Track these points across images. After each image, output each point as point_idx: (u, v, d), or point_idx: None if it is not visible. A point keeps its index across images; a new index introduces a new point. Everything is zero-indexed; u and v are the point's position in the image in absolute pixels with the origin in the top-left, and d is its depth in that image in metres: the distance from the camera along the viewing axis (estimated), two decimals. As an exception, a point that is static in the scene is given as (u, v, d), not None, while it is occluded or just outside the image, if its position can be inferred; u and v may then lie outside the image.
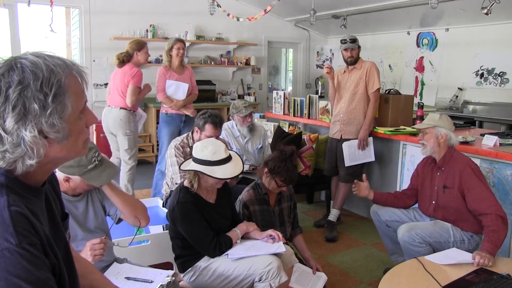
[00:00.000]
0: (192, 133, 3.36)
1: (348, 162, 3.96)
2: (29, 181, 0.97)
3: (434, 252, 2.67)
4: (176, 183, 3.15)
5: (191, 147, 3.27)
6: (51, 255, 0.95)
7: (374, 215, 3.07)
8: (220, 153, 2.31)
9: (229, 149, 2.46)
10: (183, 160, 3.13)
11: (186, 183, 2.40)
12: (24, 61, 0.90)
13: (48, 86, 0.90)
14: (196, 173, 2.33)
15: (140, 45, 4.34)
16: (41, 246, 0.91)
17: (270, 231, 2.45)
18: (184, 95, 4.58)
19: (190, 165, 2.35)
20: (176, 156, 3.23)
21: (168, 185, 3.39)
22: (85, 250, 1.83)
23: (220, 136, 3.71)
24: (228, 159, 2.33)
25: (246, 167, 3.76)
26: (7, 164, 0.91)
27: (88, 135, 1.04)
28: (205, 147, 2.33)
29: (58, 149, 0.95)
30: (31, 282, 0.86)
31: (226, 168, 2.30)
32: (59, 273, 0.99)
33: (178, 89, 4.55)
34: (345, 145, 3.96)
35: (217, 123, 3.18)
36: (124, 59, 4.27)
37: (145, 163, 6.56)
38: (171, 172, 3.28)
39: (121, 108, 4.27)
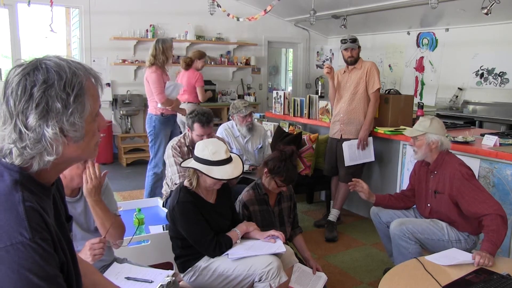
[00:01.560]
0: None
1: (348, 162, 3.96)
2: (41, 180, 1.00)
3: (424, 251, 2.68)
4: (176, 183, 3.16)
5: (188, 146, 3.28)
6: (60, 252, 0.97)
7: (375, 217, 3.06)
8: (220, 154, 2.31)
9: (230, 151, 2.46)
10: (181, 159, 3.14)
11: (185, 182, 2.41)
12: (49, 62, 0.95)
13: (70, 86, 0.95)
14: (195, 171, 2.34)
15: (199, 55, 5.65)
16: (52, 242, 0.93)
17: (272, 232, 2.45)
18: (177, 95, 4.62)
19: (191, 163, 2.35)
20: (174, 156, 3.24)
21: (168, 185, 3.39)
22: (85, 250, 1.83)
23: (220, 135, 3.73)
24: (227, 160, 2.33)
25: (246, 167, 3.77)
26: (23, 161, 0.94)
27: (99, 138, 1.08)
28: (206, 146, 2.34)
29: (74, 148, 0.99)
30: (41, 277, 0.88)
31: (225, 169, 2.30)
32: (67, 271, 1.00)
33: (174, 90, 4.54)
34: (345, 145, 3.96)
35: (204, 122, 3.16)
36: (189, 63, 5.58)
37: (144, 163, 6.54)
38: (170, 172, 3.29)
39: (188, 102, 5.49)
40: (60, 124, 0.94)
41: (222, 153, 2.32)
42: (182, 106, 4.96)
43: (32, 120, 0.91)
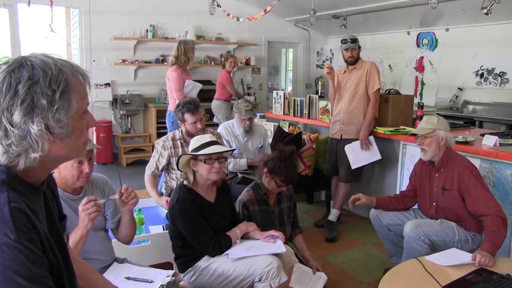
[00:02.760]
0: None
1: (354, 165, 3.94)
2: (29, 179, 0.98)
3: (433, 253, 2.67)
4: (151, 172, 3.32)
5: (179, 139, 3.31)
6: (50, 253, 0.95)
7: (375, 219, 3.04)
8: (203, 139, 2.40)
9: (225, 145, 2.50)
10: (158, 154, 3.28)
11: (184, 181, 2.42)
12: (34, 60, 0.94)
13: (56, 83, 0.94)
14: (190, 165, 2.37)
15: (225, 57, 6.50)
16: (39, 243, 0.92)
17: (272, 232, 2.45)
18: (196, 94, 4.90)
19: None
20: (156, 149, 3.33)
21: (166, 183, 3.42)
22: (80, 218, 1.81)
23: (219, 131, 3.76)
24: (212, 142, 2.39)
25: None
26: (9, 159, 0.93)
27: (87, 137, 1.07)
28: (193, 140, 2.44)
29: (60, 146, 0.98)
30: (28, 278, 0.86)
31: (211, 148, 2.36)
32: (58, 272, 0.99)
33: (193, 89, 4.91)
34: (347, 148, 3.93)
35: (192, 109, 3.19)
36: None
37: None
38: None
39: (216, 99, 6.37)
40: (46, 121, 0.93)
41: (206, 137, 2.42)
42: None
43: (17, 116, 0.91)
